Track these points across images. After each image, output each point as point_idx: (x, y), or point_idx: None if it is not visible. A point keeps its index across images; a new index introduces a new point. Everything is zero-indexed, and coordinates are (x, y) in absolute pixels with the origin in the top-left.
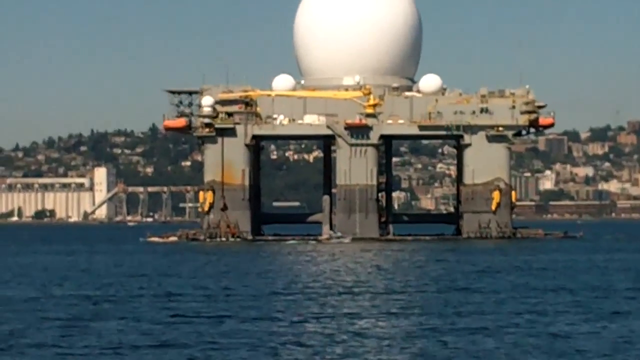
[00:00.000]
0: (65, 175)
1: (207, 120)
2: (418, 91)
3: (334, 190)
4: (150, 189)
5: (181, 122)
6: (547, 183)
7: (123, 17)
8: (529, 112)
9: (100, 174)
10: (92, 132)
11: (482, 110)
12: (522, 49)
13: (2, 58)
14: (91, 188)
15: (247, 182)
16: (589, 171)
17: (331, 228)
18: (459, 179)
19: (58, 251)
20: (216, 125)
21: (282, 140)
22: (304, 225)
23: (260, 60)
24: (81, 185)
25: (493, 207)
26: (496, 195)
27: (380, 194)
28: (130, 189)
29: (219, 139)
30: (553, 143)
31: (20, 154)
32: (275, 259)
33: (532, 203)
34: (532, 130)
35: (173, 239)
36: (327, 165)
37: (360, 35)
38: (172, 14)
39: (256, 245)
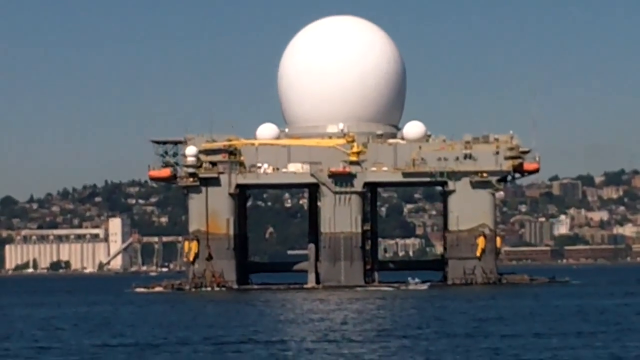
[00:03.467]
0: (80, 226)
1: (191, 170)
2: (402, 138)
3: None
4: (165, 238)
5: (166, 172)
6: (562, 228)
7: (131, 67)
8: (513, 158)
9: (115, 224)
10: (106, 182)
11: (465, 157)
12: (535, 96)
13: (16, 111)
14: (106, 239)
15: (232, 232)
16: (603, 215)
17: (317, 276)
18: (444, 225)
19: (25, 302)
20: (200, 175)
21: (266, 189)
22: (292, 273)
23: (244, 109)
24: (96, 236)
25: (478, 253)
26: (481, 241)
27: (366, 242)
28: (145, 239)
29: (203, 189)
30: (567, 188)
31: (35, 206)
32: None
33: (547, 248)
34: (517, 175)
35: (159, 289)
36: (312, 213)
37: (344, 83)
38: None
39: (238, 294)
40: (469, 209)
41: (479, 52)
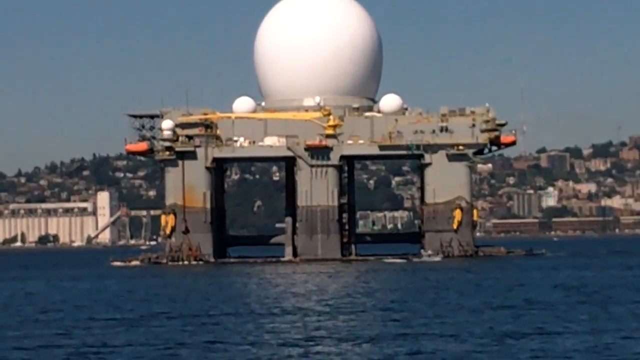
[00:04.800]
0: (68, 200)
1: (167, 144)
2: (379, 111)
3: None
4: (153, 212)
5: (143, 146)
6: (550, 200)
7: (119, 38)
8: (489, 131)
9: (103, 198)
10: (94, 156)
11: (442, 130)
12: (522, 69)
13: (4, 85)
14: (94, 212)
15: (208, 205)
16: (591, 187)
17: (294, 249)
18: (421, 198)
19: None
20: (176, 149)
21: (243, 162)
22: (268, 247)
23: (221, 82)
24: (84, 209)
25: (454, 226)
26: (457, 213)
27: (343, 215)
28: (133, 212)
29: (180, 162)
30: (555, 160)
31: (22, 180)
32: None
33: (536, 220)
34: (495, 148)
35: (135, 263)
36: (289, 186)
37: (320, 57)
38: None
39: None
40: (446, 182)
41: (456, 24)
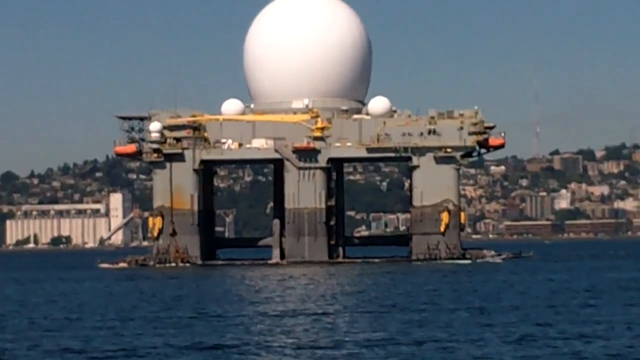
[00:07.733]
0: (80, 201)
1: (155, 146)
2: (367, 113)
3: None
4: None
5: (131, 148)
6: (563, 202)
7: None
8: (477, 133)
9: (116, 199)
10: (107, 157)
11: (430, 132)
12: (536, 71)
13: (17, 87)
14: (107, 214)
15: (196, 207)
16: (604, 190)
17: (281, 252)
18: (410, 200)
19: None
20: (164, 151)
21: (231, 164)
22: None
23: (209, 84)
24: (97, 211)
25: (442, 229)
26: (445, 216)
27: (331, 217)
28: (146, 214)
29: (168, 165)
30: (568, 162)
31: (35, 181)
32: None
33: (548, 222)
34: (483, 151)
35: (123, 265)
36: (277, 189)
37: (309, 59)
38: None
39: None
40: (433, 185)
41: (446, 26)
